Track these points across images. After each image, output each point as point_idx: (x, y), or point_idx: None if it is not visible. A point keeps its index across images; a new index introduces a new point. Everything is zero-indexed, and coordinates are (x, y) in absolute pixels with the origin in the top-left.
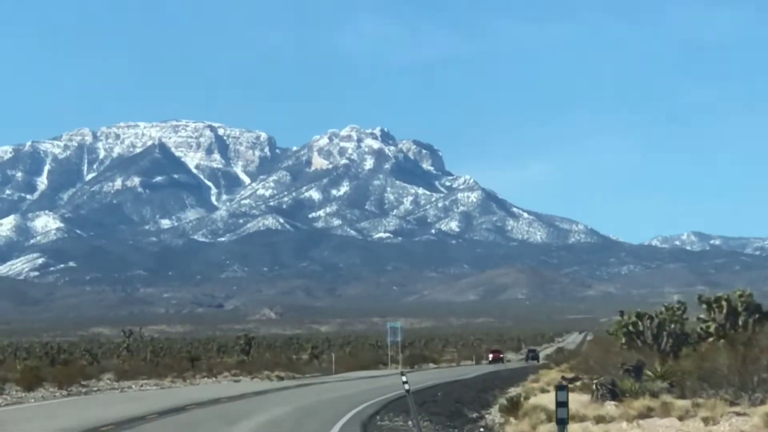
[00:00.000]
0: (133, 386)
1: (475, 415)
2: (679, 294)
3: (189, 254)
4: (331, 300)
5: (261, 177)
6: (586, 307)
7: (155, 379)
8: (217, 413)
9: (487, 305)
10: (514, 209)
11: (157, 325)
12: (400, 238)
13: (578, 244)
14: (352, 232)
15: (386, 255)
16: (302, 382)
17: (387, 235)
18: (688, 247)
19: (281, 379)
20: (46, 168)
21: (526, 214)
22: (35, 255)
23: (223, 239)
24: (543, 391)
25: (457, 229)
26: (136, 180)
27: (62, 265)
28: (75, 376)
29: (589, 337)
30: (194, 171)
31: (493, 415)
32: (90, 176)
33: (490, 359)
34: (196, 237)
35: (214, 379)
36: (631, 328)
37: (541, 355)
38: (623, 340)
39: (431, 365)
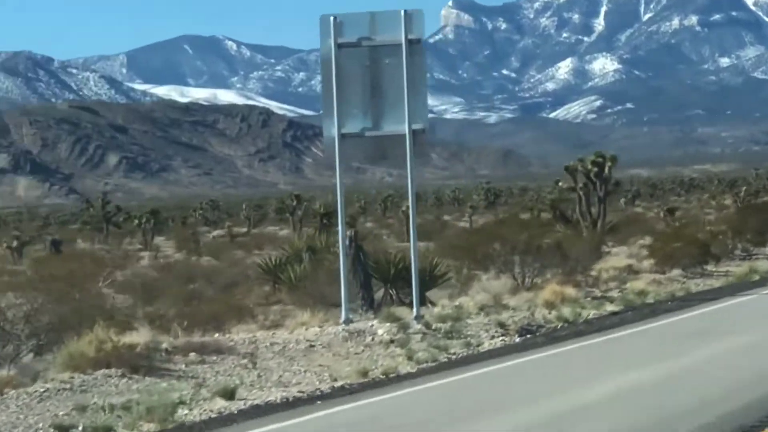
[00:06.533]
0: None
1: None
2: None
3: (748, 92)
4: None
5: None
6: None
7: None
8: None
9: None
10: None
11: (701, 165)
12: None
13: None
14: None
15: None
16: None
17: None
18: None
19: None
20: (603, 9)
21: None
22: (592, 97)
23: None
24: None
25: None
26: (694, 19)
27: (619, 107)
28: None
29: None
30: (752, 8)
31: None
32: (647, 16)
33: None
34: (755, 74)
35: None
36: None
37: None
38: None
39: None
